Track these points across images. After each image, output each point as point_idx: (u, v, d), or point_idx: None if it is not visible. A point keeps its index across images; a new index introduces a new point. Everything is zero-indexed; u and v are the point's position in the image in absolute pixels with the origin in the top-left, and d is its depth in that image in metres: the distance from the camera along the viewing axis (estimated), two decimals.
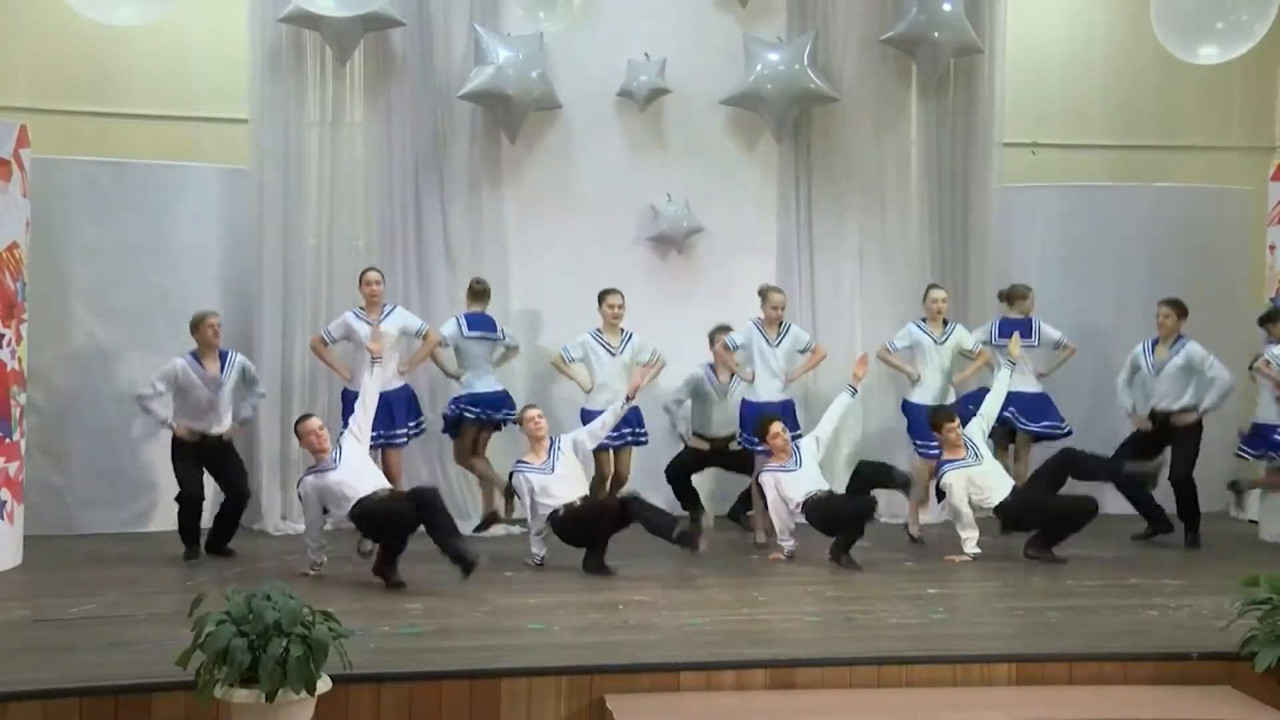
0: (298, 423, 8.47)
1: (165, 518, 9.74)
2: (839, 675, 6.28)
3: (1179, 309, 9.43)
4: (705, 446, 9.84)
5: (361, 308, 9.25)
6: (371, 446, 8.53)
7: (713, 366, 9.84)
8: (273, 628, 5.31)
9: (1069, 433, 9.69)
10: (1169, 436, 9.41)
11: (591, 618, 7.16)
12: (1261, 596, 6.40)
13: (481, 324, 9.55)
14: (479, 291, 9.60)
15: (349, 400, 8.80)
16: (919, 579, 8.26)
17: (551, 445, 8.65)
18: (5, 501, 8.34)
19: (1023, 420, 9.61)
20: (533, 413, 8.79)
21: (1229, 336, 10.08)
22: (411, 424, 9.32)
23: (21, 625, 7.00)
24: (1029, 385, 9.67)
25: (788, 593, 7.86)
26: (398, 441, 9.18)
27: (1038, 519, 8.85)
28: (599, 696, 6.04)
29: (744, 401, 9.48)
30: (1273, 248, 9.93)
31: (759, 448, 9.14)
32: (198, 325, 8.79)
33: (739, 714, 6.01)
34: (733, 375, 9.66)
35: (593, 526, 8.43)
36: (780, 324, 9.47)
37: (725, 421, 9.75)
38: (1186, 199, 11.02)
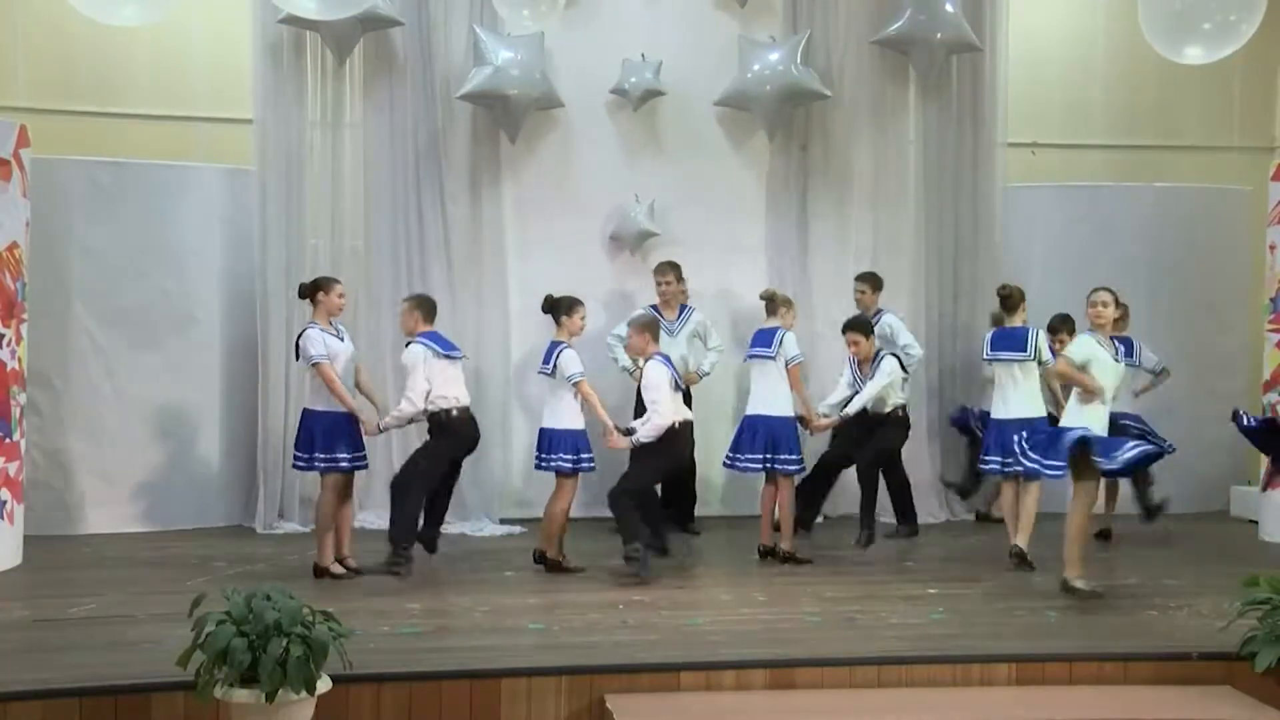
0: None
1: (165, 517, 9.75)
2: (839, 675, 6.30)
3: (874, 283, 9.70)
4: None
5: (315, 320, 8.33)
6: (314, 469, 8.22)
7: (656, 307, 9.71)
8: (273, 628, 5.32)
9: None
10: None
11: (591, 618, 7.16)
12: (1261, 596, 6.42)
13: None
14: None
15: (309, 421, 8.22)
16: (919, 579, 8.27)
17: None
18: (5, 501, 8.33)
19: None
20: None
21: (1229, 337, 10.08)
22: (359, 453, 8.31)
23: (21, 625, 7.00)
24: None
25: (788, 593, 7.85)
26: (341, 466, 8.19)
27: None
28: (599, 696, 6.05)
29: (747, 417, 8.86)
30: (1273, 248, 9.92)
31: (790, 466, 8.68)
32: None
33: (739, 714, 6.02)
34: (681, 311, 9.74)
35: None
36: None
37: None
38: (1186, 199, 11.01)
